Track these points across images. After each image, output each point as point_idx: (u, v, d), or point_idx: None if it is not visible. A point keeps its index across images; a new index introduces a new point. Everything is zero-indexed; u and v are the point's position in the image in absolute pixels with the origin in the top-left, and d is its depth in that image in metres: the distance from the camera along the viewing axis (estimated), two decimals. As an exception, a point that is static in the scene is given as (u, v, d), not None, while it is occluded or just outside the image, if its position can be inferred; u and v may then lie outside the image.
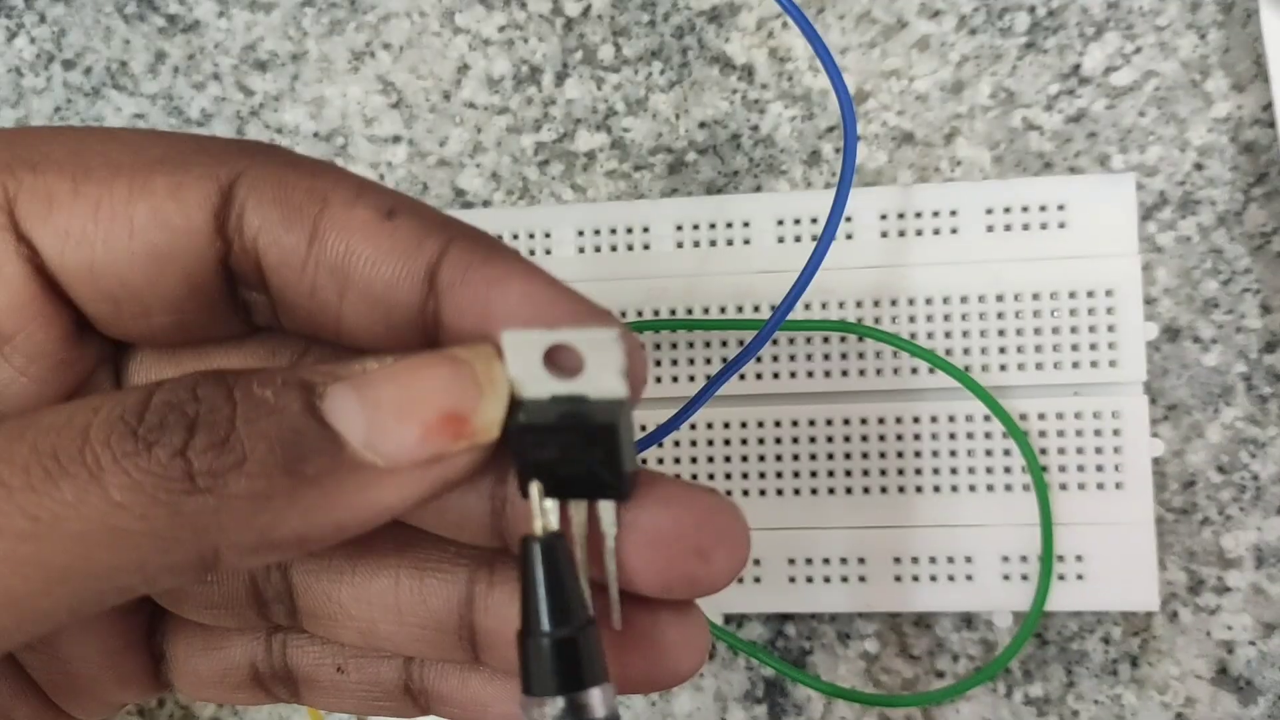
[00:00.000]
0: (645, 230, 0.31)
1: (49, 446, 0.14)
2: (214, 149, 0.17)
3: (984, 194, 0.30)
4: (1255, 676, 0.30)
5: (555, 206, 0.33)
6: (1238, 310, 0.31)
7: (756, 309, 0.31)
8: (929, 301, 0.30)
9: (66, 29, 0.36)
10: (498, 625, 0.19)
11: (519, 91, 0.34)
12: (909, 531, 0.30)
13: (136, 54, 0.36)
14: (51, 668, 0.20)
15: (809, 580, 0.31)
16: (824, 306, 0.30)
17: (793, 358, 0.31)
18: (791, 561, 0.31)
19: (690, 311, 0.31)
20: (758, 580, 0.31)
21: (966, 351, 0.30)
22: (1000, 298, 0.30)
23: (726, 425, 0.31)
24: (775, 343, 0.31)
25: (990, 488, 0.30)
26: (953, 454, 0.30)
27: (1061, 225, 0.30)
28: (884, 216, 0.31)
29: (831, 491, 0.30)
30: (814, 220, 0.31)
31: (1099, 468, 0.30)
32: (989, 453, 0.30)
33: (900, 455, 0.30)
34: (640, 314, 0.31)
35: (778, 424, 0.31)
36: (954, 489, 0.30)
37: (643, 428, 0.30)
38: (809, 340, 0.31)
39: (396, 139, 0.35)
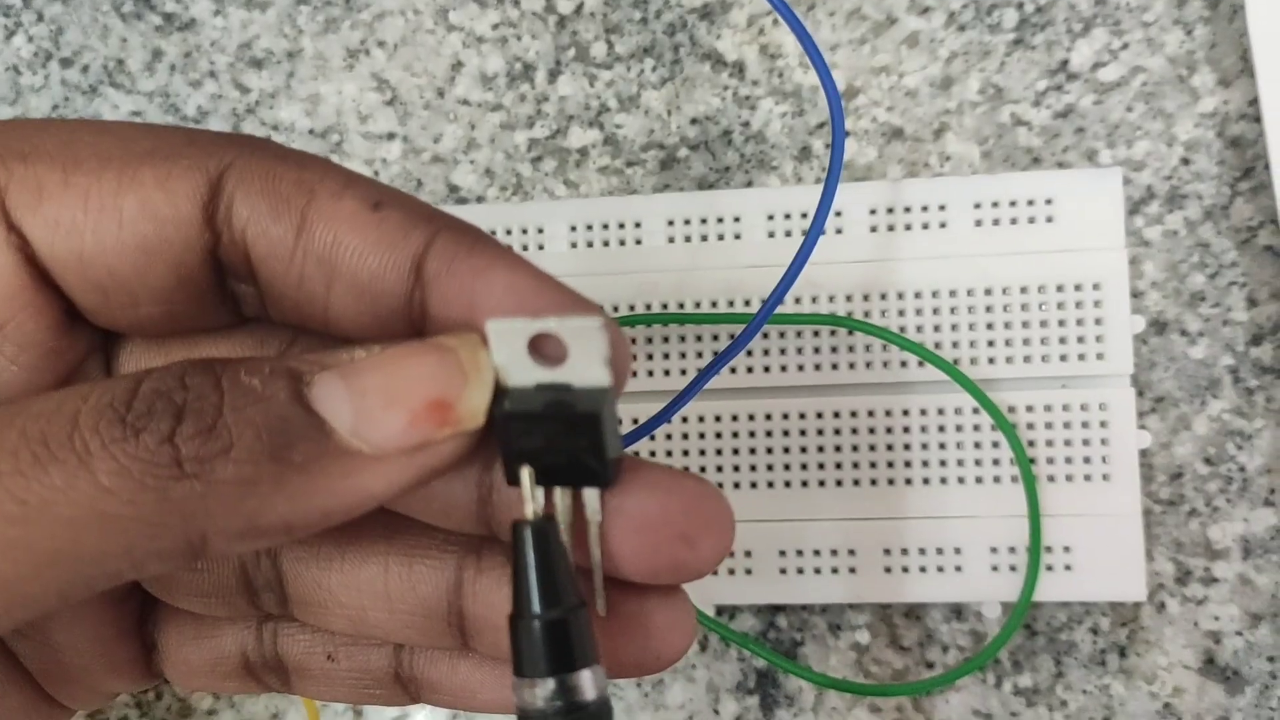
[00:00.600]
0: (637, 225, 0.32)
1: (38, 432, 0.15)
2: (202, 141, 0.18)
3: (972, 189, 0.30)
4: (1242, 666, 0.31)
5: (548, 202, 0.33)
6: (1224, 303, 0.31)
7: (747, 303, 0.31)
8: (918, 295, 0.30)
9: (64, 27, 0.37)
10: (486, 611, 0.19)
11: (512, 88, 0.34)
12: (898, 523, 0.30)
13: (133, 52, 0.36)
14: (43, 656, 0.20)
15: (800, 572, 0.31)
16: (814, 300, 0.31)
17: (783, 351, 0.31)
18: (782, 553, 0.31)
19: (681, 306, 0.31)
20: (749, 572, 0.31)
21: (955, 345, 0.30)
22: (989, 291, 0.30)
23: (717, 418, 0.31)
24: (765, 336, 0.31)
25: (979, 480, 0.30)
26: (942, 446, 0.30)
27: (1049, 220, 0.30)
28: (873, 211, 0.31)
29: (822, 484, 0.31)
30: (804, 215, 0.31)
31: (1087, 459, 0.30)
32: (978, 445, 0.30)
33: (890, 448, 0.30)
34: (632, 308, 0.31)
35: (768, 417, 0.31)
36: (943, 481, 0.30)
37: (634, 420, 0.30)
38: (799, 334, 0.31)
39: (391, 136, 0.35)
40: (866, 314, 0.31)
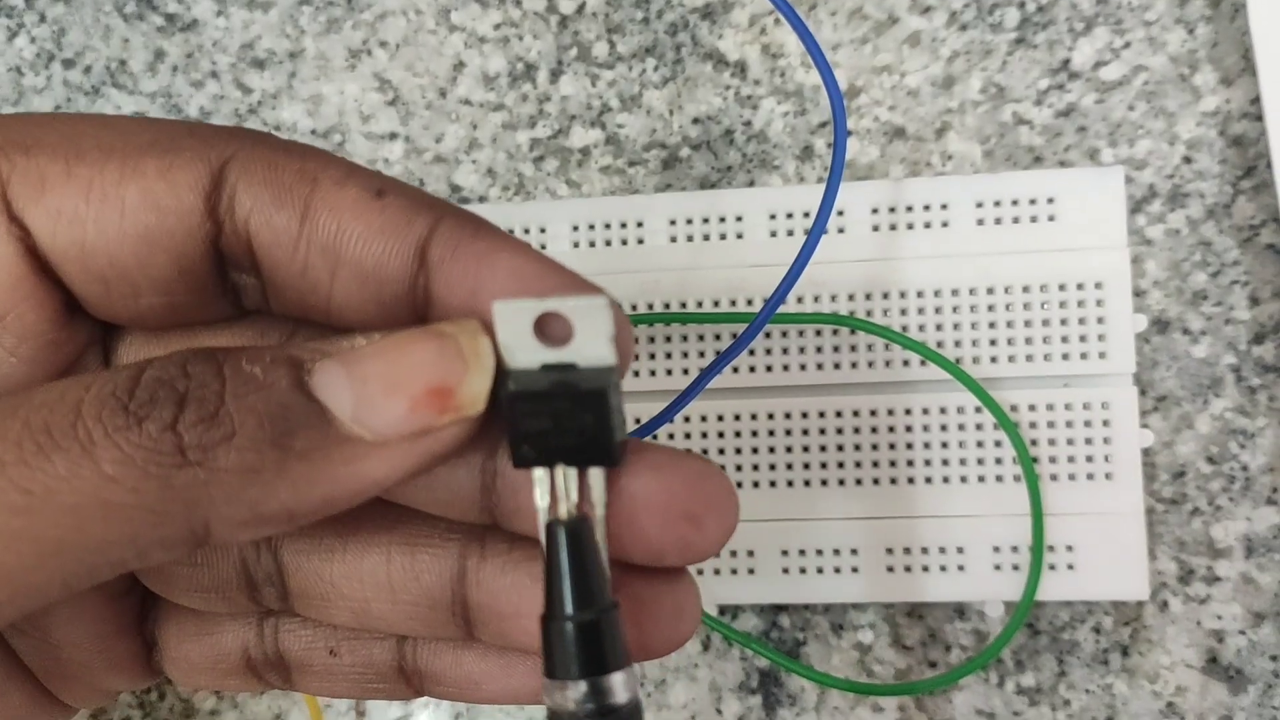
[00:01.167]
0: (639, 225, 0.32)
1: (41, 422, 0.15)
2: (204, 134, 0.18)
3: (974, 188, 0.30)
4: (1245, 665, 0.30)
5: (550, 202, 0.33)
6: (1226, 302, 0.31)
7: (750, 302, 0.31)
8: (920, 294, 0.30)
9: (66, 28, 0.37)
10: (490, 599, 0.19)
11: (514, 88, 0.35)
12: (901, 522, 0.30)
13: (136, 53, 0.36)
14: (43, 653, 0.20)
15: (802, 571, 0.31)
16: (816, 299, 0.31)
17: (785, 350, 0.31)
18: (785, 553, 0.31)
19: (684, 305, 0.31)
20: (751, 571, 0.31)
21: (957, 344, 0.30)
22: (991, 290, 0.30)
23: (720, 418, 0.31)
24: (767, 335, 0.31)
25: (981, 479, 0.30)
26: (944, 445, 0.30)
27: (1051, 219, 0.30)
28: (875, 210, 0.31)
29: (824, 483, 0.31)
30: (806, 214, 0.31)
31: (1089, 458, 0.30)
32: (980, 444, 0.30)
33: (892, 447, 0.30)
34: (634, 308, 0.31)
35: (770, 416, 0.31)
36: (945, 480, 0.30)
37: (636, 420, 0.30)
38: (801, 333, 0.31)
39: (393, 136, 0.35)
40: (869, 313, 0.31)
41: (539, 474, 0.17)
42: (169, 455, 0.15)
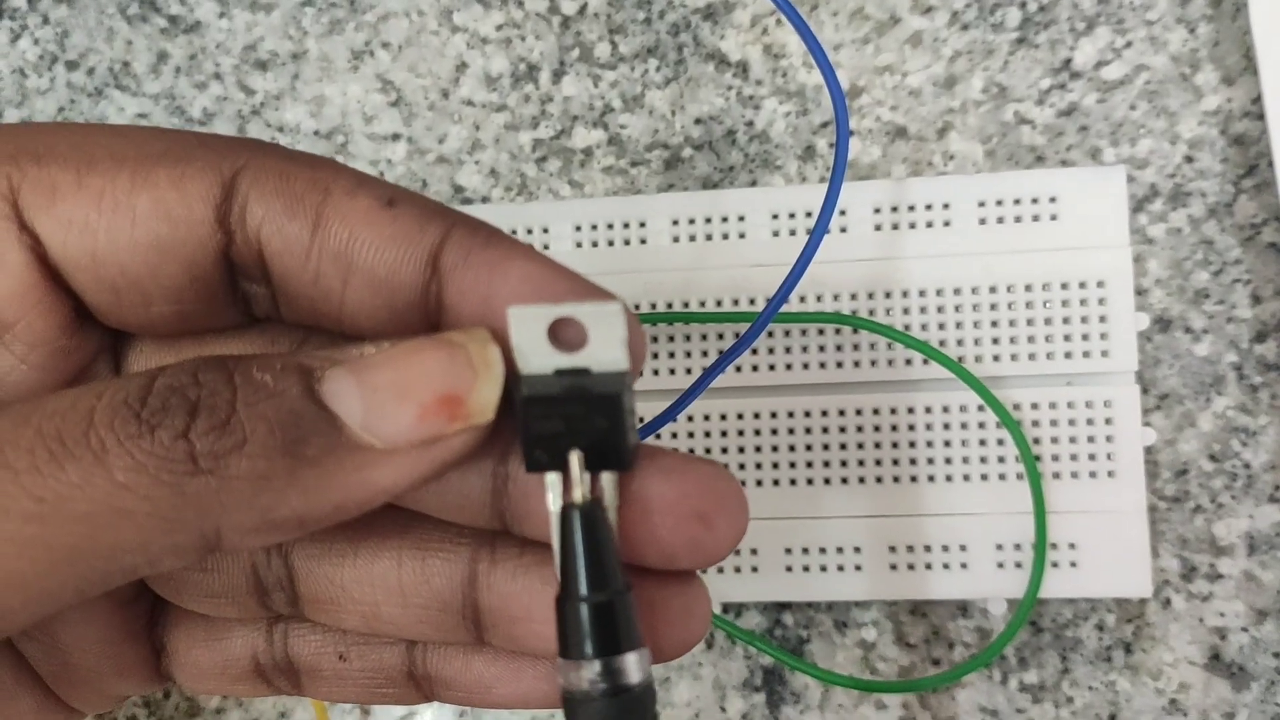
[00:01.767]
0: (642, 225, 0.32)
1: (54, 430, 0.15)
2: (215, 144, 0.18)
3: (976, 187, 0.31)
4: (1248, 662, 0.31)
5: (553, 202, 0.34)
6: (1228, 300, 0.31)
7: (752, 302, 0.31)
8: (922, 293, 0.30)
9: (69, 30, 0.37)
10: (500, 603, 0.19)
11: (516, 89, 0.35)
12: (904, 520, 0.30)
13: (139, 54, 0.36)
14: (52, 659, 0.20)
15: (806, 569, 0.31)
16: (818, 299, 0.31)
17: (788, 349, 0.31)
18: (789, 551, 0.31)
19: (686, 305, 0.31)
20: (755, 570, 0.31)
21: (960, 343, 0.30)
22: (993, 289, 0.30)
23: (723, 417, 0.31)
24: (770, 335, 0.31)
25: (984, 477, 0.30)
26: (947, 444, 0.30)
27: (1053, 218, 0.30)
28: (877, 210, 0.31)
29: (827, 481, 0.31)
30: (808, 214, 0.31)
31: (1092, 456, 0.30)
32: (983, 442, 0.30)
33: (895, 445, 0.31)
34: (637, 307, 0.31)
35: (773, 415, 0.31)
36: (948, 478, 0.30)
37: (640, 419, 0.30)
38: (804, 332, 0.31)
39: (396, 137, 0.35)
40: (871, 312, 0.31)
41: (551, 479, 0.17)
42: (181, 463, 0.15)
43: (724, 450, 0.31)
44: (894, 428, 0.31)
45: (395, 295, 0.17)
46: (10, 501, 0.14)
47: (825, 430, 0.31)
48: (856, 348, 0.31)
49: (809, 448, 0.31)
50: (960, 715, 0.32)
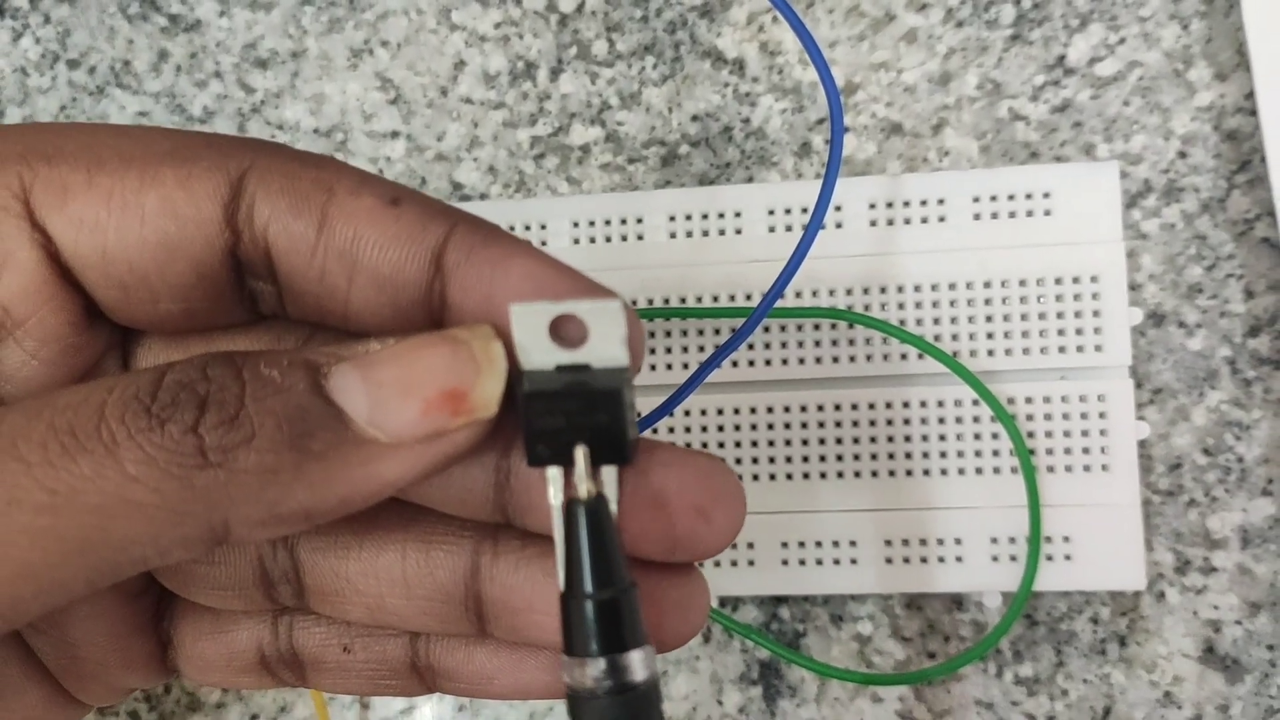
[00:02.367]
0: (639, 221, 0.32)
1: (66, 423, 0.15)
2: (220, 144, 0.18)
3: (971, 183, 0.31)
4: (1242, 655, 0.31)
5: (551, 199, 0.34)
6: (1222, 295, 0.31)
7: (749, 297, 0.31)
8: (917, 288, 0.31)
9: (71, 29, 0.37)
10: (503, 594, 0.19)
11: (515, 87, 0.35)
12: (900, 514, 0.31)
13: (140, 53, 0.37)
14: (60, 652, 0.21)
15: (802, 563, 0.31)
16: (814, 294, 0.31)
17: (784, 344, 0.31)
18: (785, 545, 0.31)
19: (683, 300, 0.32)
20: (751, 563, 0.31)
21: (955, 337, 0.31)
22: (987, 284, 0.30)
23: (719, 411, 0.31)
24: (766, 330, 0.31)
25: (979, 471, 0.30)
26: (942, 438, 0.31)
27: (1047, 213, 0.30)
28: (873, 205, 0.31)
29: (823, 476, 0.31)
30: (804, 210, 0.31)
31: (1086, 450, 0.30)
32: (977, 436, 0.30)
33: (890, 440, 0.31)
34: (635, 303, 0.32)
35: (769, 410, 0.31)
36: (943, 472, 0.31)
37: (637, 414, 0.30)
38: (800, 327, 0.31)
39: (395, 134, 0.35)
40: (866, 307, 0.31)
41: (553, 472, 0.18)
42: (190, 456, 0.15)
43: (720, 445, 0.31)
44: (889, 422, 0.31)
45: (399, 292, 0.17)
46: (23, 493, 0.15)
47: (821, 425, 0.31)
48: (852, 343, 0.31)
49: (805, 442, 0.31)
50: (956, 708, 0.32)
